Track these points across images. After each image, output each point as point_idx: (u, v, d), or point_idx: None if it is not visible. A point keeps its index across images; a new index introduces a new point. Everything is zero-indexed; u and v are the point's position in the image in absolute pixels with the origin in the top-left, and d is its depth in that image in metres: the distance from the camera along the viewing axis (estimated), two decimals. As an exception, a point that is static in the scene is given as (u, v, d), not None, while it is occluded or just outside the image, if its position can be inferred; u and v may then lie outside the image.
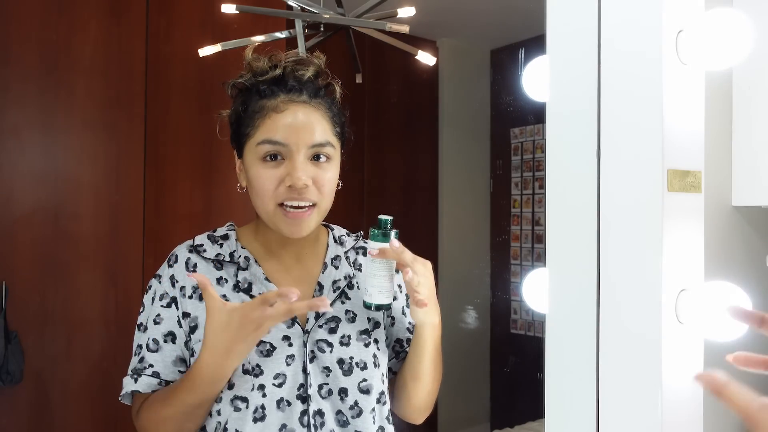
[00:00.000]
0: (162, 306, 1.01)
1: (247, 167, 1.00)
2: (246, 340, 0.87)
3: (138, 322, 1.04)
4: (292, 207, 0.96)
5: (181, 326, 1.00)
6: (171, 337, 1.00)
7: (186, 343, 1.00)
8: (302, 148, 0.97)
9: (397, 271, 0.98)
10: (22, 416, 2.31)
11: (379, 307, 0.97)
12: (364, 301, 0.97)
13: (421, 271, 0.96)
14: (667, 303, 0.86)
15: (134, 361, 1.01)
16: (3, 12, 2.29)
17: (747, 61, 1.04)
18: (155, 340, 1.00)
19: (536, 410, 3.34)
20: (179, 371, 1.01)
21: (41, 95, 2.36)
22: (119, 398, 1.03)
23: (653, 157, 0.87)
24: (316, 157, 0.98)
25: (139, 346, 1.01)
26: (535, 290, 0.99)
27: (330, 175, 1.00)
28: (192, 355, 1.00)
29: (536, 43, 3.95)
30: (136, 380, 0.99)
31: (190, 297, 1.00)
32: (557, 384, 0.98)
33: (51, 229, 2.37)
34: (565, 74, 0.98)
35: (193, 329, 1.00)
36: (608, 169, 0.92)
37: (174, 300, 1.00)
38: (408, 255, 0.95)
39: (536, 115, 4.06)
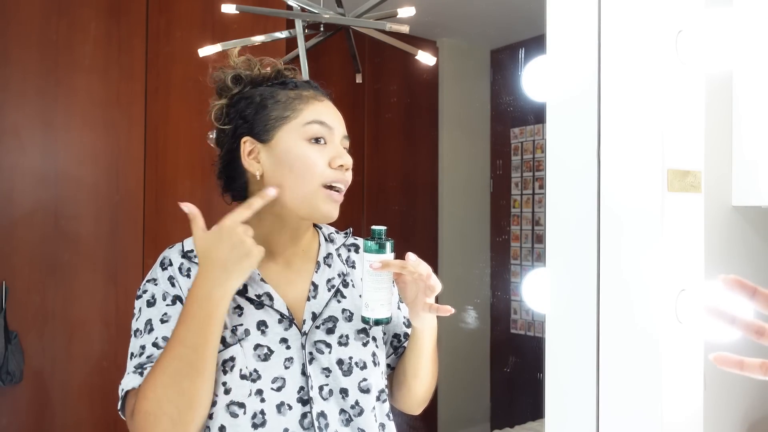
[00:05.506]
0: (168, 305, 0.98)
1: (286, 149, 1.00)
2: (240, 263, 0.91)
3: (134, 328, 0.99)
4: (336, 189, 1.00)
5: None
6: None
7: None
8: (339, 136, 1.04)
9: None
10: (22, 416, 2.31)
11: (378, 322, 0.96)
12: (362, 316, 0.96)
13: (434, 279, 0.98)
14: (667, 303, 0.86)
15: (136, 360, 0.95)
16: (3, 12, 2.29)
17: (747, 61, 1.04)
18: (165, 338, 0.95)
19: (536, 410, 3.34)
20: None
21: (41, 95, 2.36)
22: (118, 410, 0.96)
23: (653, 157, 0.87)
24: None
25: (142, 347, 0.95)
26: (535, 290, 1.00)
27: None
28: None
29: (536, 43, 3.95)
30: (141, 374, 0.93)
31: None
32: (557, 384, 0.98)
33: (51, 229, 2.37)
34: (565, 74, 0.98)
35: None
36: (608, 169, 0.92)
37: (178, 298, 0.99)
38: (425, 265, 0.97)
39: (536, 115, 4.05)
